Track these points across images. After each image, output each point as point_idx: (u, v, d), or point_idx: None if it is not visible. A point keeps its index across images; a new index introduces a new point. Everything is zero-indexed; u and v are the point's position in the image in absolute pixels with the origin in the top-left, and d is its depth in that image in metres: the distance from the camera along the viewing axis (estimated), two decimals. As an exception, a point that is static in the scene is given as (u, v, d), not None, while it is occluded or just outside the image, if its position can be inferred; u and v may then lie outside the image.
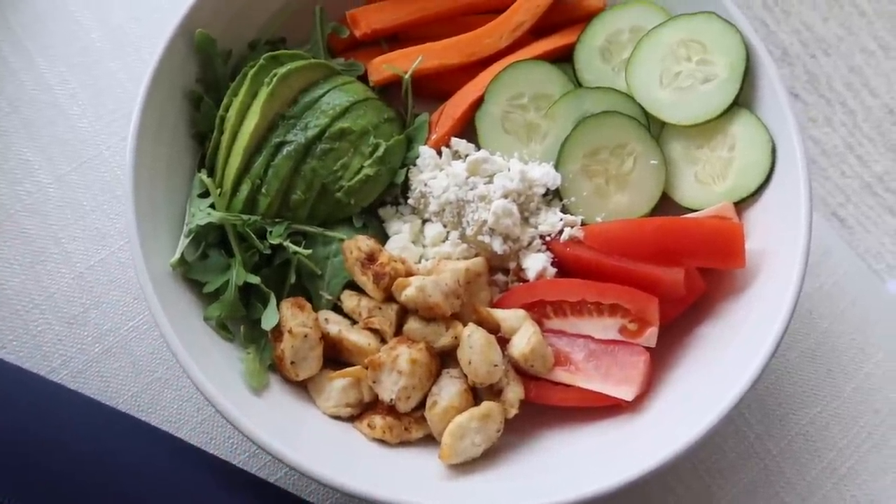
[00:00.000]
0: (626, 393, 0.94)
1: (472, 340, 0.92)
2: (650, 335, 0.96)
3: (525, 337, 0.95)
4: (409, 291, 0.94)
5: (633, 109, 1.07)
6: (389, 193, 1.07)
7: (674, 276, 0.96)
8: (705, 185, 1.05)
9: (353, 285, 1.00)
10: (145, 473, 0.87)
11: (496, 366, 0.92)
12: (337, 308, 1.00)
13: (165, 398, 1.04)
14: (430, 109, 1.11)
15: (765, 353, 0.89)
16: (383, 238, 1.05)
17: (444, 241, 1.04)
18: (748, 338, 0.93)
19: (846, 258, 1.20)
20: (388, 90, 1.11)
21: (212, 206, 0.97)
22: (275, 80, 0.99)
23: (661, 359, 0.99)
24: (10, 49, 1.19)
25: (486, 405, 0.92)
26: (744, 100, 1.04)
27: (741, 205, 1.03)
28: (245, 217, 0.96)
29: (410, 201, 1.06)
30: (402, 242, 1.03)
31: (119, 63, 1.18)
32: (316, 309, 0.98)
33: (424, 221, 1.06)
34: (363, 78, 1.11)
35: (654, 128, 1.08)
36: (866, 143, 2.58)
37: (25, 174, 1.12)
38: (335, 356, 0.98)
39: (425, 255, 1.04)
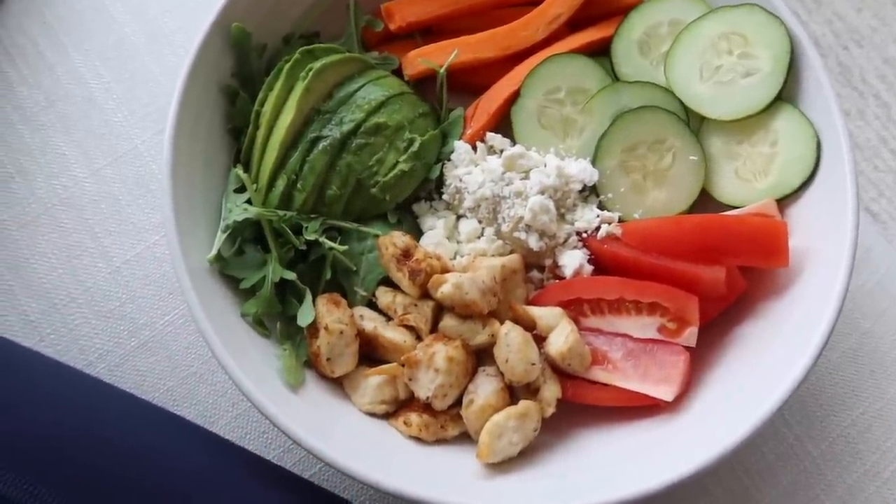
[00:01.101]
0: (665, 393, 0.92)
1: (510, 339, 0.91)
2: (690, 335, 0.94)
3: (562, 335, 0.93)
4: (446, 289, 0.93)
5: (671, 104, 1.05)
6: (424, 189, 1.06)
7: (714, 275, 0.94)
8: (746, 181, 1.03)
9: (387, 281, 0.99)
10: (183, 468, 0.87)
11: (533, 364, 0.91)
12: (372, 304, 1.00)
13: (201, 393, 1.04)
14: (464, 103, 1.10)
15: (809, 354, 0.87)
16: (418, 234, 1.04)
17: (479, 238, 1.03)
18: (791, 338, 0.91)
19: (887, 256, 1.17)
20: (423, 84, 1.10)
21: (248, 201, 0.96)
22: (310, 74, 0.99)
23: (700, 358, 0.97)
24: (47, 43, 1.19)
25: (524, 404, 0.91)
26: (786, 94, 1.02)
27: (783, 202, 1.01)
28: (281, 213, 0.96)
29: (445, 197, 1.05)
30: (437, 238, 1.03)
31: (153, 56, 1.18)
32: (351, 305, 0.98)
33: (459, 217, 1.05)
34: (397, 72, 1.10)
35: (694, 122, 1.06)
36: (900, 136, 2.53)
37: (62, 168, 1.13)
38: (370, 353, 0.98)
39: (460, 251, 1.03)
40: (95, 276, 1.08)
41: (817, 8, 2.73)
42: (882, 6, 2.73)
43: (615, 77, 1.09)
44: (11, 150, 1.13)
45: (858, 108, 2.55)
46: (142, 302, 1.07)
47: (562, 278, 1.01)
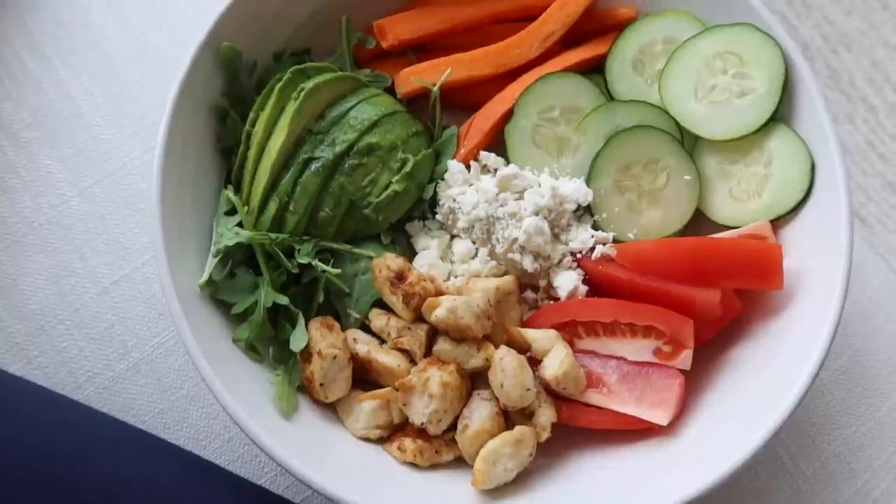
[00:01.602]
0: (660, 417, 0.92)
1: (504, 364, 0.91)
2: (685, 358, 0.94)
3: (557, 359, 0.93)
4: (440, 313, 0.92)
5: (666, 123, 1.04)
6: (417, 208, 1.05)
7: (710, 298, 0.94)
8: (740, 201, 1.03)
9: (381, 303, 0.98)
10: (170, 497, 0.87)
11: (528, 390, 0.91)
12: (365, 326, 0.99)
13: (192, 416, 1.03)
14: (457, 120, 1.09)
15: (804, 379, 0.87)
16: (411, 254, 1.03)
17: (473, 258, 1.03)
18: (786, 362, 0.91)
19: (879, 271, 1.17)
20: (415, 101, 1.09)
21: (239, 224, 0.95)
22: (302, 94, 0.97)
23: (694, 380, 0.97)
24: (31, 56, 1.17)
25: (520, 430, 0.90)
26: (781, 114, 1.02)
27: (777, 222, 1.01)
28: (273, 236, 0.95)
29: (438, 217, 1.04)
30: (431, 259, 1.02)
31: (142, 71, 1.16)
32: (344, 328, 0.97)
33: (453, 237, 1.05)
34: (390, 89, 1.09)
35: (688, 141, 1.06)
36: (888, 141, 2.54)
37: (48, 186, 1.11)
38: (363, 376, 0.97)
39: (454, 271, 1.03)
40: (83, 297, 1.06)
41: (806, 12, 2.73)
42: (871, 10, 2.74)
43: (609, 95, 1.08)
44: (-4, 168, 1.11)
45: (847, 113, 2.56)
46: (131, 323, 1.05)
47: (556, 299, 1.01)
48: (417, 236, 1.05)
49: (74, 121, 1.14)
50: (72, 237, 1.08)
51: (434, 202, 1.05)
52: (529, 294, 1.03)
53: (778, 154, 1.01)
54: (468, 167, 1.06)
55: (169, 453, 0.94)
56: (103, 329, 1.05)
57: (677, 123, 1.05)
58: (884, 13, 2.71)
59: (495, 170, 1.06)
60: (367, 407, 0.94)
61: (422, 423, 0.91)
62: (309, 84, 0.98)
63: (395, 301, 0.95)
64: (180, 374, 1.04)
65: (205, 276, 0.91)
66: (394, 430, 0.95)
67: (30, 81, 1.16)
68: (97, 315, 1.05)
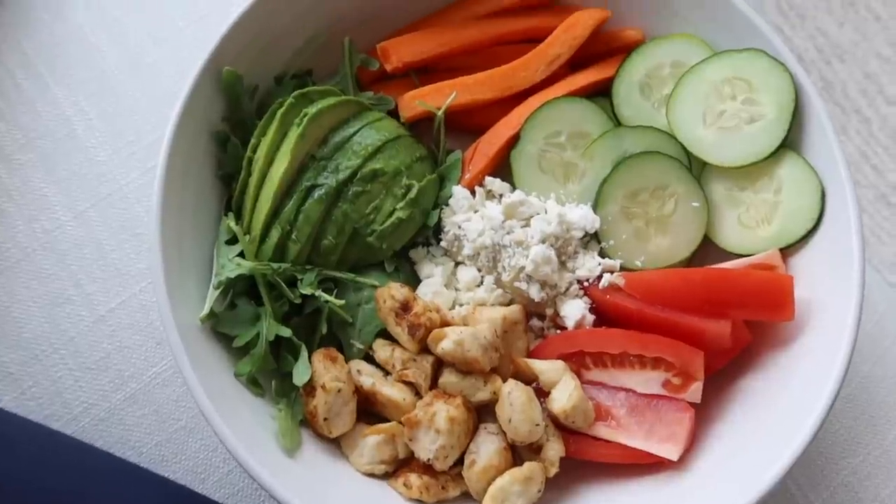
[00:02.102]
0: (670, 452, 0.91)
1: (513, 398, 0.89)
2: (695, 390, 0.93)
3: (566, 392, 0.91)
4: (446, 345, 0.90)
5: (674, 149, 1.03)
6: (421, 234, 1.03)
7: (720, 330, 0.93)
8: (749, 228, 1.02)
9: (385, 333, 0.96)
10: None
11: (538, 425, 0.89)
12: (368, 356, 0.97)
13: (190, 448, 1.00)
14: (461, 144, 1.07)
15: (817, 416, 0.86)
16: (415, 281, 1.01)
17: (478, 286, 1.01)
18: (798, 396, 0.90)
19: (885, 295, 1.16)
20: (418, 122, 1.07)
21: (240, 254, 0.93)
22: (305, 120, 0.95)
23: (703, 410, 0.95)
24: (24, 75, 1.14)
25: (528, 467, 0.88)
26: (790, 140, 1.01)
27: (786, 250, 1.00)
28: (275, 266, 0.92)
29: (443, 243, 1.02)
30: (435, 287, 1.00)
31: (138, 90, 1.14)
32: (347, 358, 0.95)
33: (457, 264, 1.03)
34: (393, 112, 1.07)
35: (695, 167, 1.04)
36: (881, 153, 2.55)
37: (42, 210, 1.08)
38: (367, 408, 0.95)
39: (458, 299, 1.01)
40: (79, 325, 1.03)
41: (801, 23, 2.73)
42: (863, 21, 2.74)
43: (616, 118, 1.07)
44: (-12, 191, 1.08)
45: (840, 124, 2.56)
46: (128, 352, 1.03)
47: (562, 327, 0.99)
48: (421, 263, 1.03)
49: (69, 142, 1.11)
50: (67, 263, 1.06)
51: (438, 228, 1.03)
52: (535, 322, 1.01)
53: (788, 181, 1.00)
54: (473, 192, 1.04)
55: (164, 488, 0.92)
56: (99, 358, 1.02)
57: (685, 149, 1.03)
58: (876, 24, 2.72)
59: (500, 195, 1.04)
60: (371, 441, 0.92)
61: (428, 459, 0.89)
62: (312, 109, 0.96)
63: (400, 332, 0.93)
64: (178, 404, 1.01)
65: (206, 310, 0.89)
66: (399, 465, 0.93)
67: (23, 101, 1.13)
68: (93, 344, 1.03)
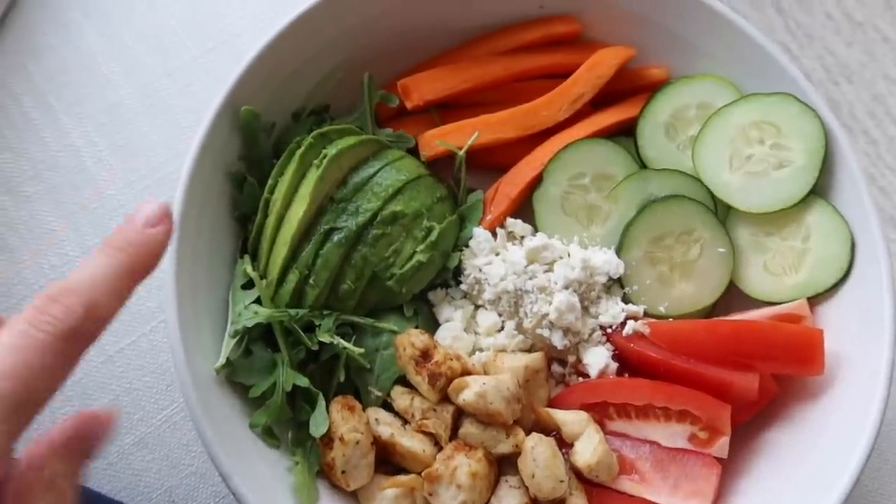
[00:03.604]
0: (696, 509, 0.88)
1: (536, 453, 0.87)
2: (722, 445, 0.90)
3: (590, 446, 0.89)
4: (468, 396, 0.88)
5: (699, 193, 1.01)
6: (440, 276, 1.01)
7: (748, 383, 0.91)
8: (776, 276, 1.00)
9: (403, 379, 0.94)
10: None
11: (562, 482, 0.86)
12: (386, 403, 0.94)
13: (202, 493, 0.97)
14: (481, 182, 1.05)
15: (850, 474, 0.84)
16: (433, 324, 0.99)
17: (499, 331, 0.98)
18: (828, 453, 0.88)
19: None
20: (437, 159, 1.04)
21: (257, 300, 0.90)
22: (325, 161, 0.93)
23: (728, 463, 0.93)
24: (33, 103, 1.12)
25: (552, 525, 0.86)
26: (819, 187, 0.99)
27: (814, 299, 0.98)
28: (293, 312, 0.90)
29: (463, 287, 1.00)
30: (455, 332, 0.97)
31: (150, 123, 1.11)
32: (365, 405, 0.92)
33: (477, 307, 1.00)
34: (413, 149, 1.04)
35: (720, 211, 1.02)
36: (889, 175, 2.54)
37: (50, 246, 1.05)
38: (385, 457, 0.92)
39: (478, 343, 0.98)
40: (87, 365, 1.00)
41: (809, 43, 2.72)
42: (871, 42, 2.73)
43: (640, 159, 1.04)
44: (-6, 224, 1.06)
45: (848, 145, 2.54)
46: (138, 395, 1.00)
47: (584, 374, 0.97)
48: (440, 305, 1.00)
49: (79, 174, 1.08)
50: (75, 300, 1.03)
51: (458, 269, 1.01)
52: (556, 368, 0.99)
53: (816, 229, 0.98)
54: (494, 234, 1.02)
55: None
56: (108, 400, 0.99)
57: (711, 193, 1.01)
58: (884, 45, 2.71)
59: (522, 237, 1.02)
60: (389, 494, 0.89)
61: (449, 515, 0.86)
62: (332, 150, 0.94)
63: (420, 381, 0.90)
64: (189, 449, 0.99)
65: (221, 360, 0.86)
66: (417, 519, 0.90)
67: (31, 131, 1.10)
68: (102, 385, 1.00)
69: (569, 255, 0.99)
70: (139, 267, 0.63)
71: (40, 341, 0.56)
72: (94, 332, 0.60)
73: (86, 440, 0.62)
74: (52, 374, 0.57)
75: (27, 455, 0.61)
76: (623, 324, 0.97)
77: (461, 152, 1.01)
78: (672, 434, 0.92)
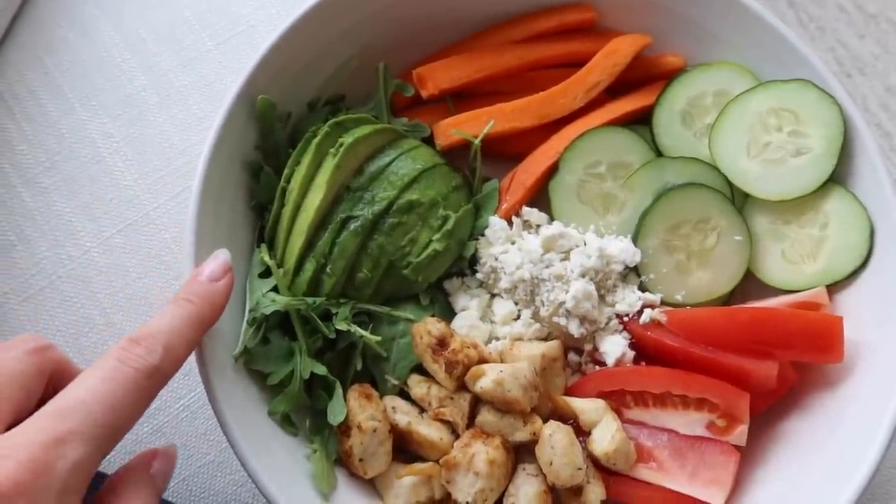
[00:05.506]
0: (714, 497, 0.88)
1: (554, 441, 0.86)
2: (740, 433, 0.90)
3: (608, 434, 0.89)
4: (485, 384, 0.88)
5: (716, 181, 1.00)
6: (456, 265, 1.00)
7: (767, 371, 0.90)
8: (793, 264, 0.99)
9: (420, 368, 0.94)
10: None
11: (580, 469, 0.86)
12: (402, 391, 0.94)
13: (218, 483, 0.98)
14: (496, 170, 1.05)
15: (869, 464, 0.83)
16: (449, 313, 0.99)
17: (515, 320, 0.98)
18: (847, 442, 0.87)
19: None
20: (453, 148, 1.04)
21: (274, 287, 0.90)
22: (341, 150, 0.93)
23: (746, 452, 0.93)
24: (49, 97, 1.12)
25: (570, 513, 0.86)
26: (838, 174, 0.98)
27: (832, 287, 0.97)
28: (310, 300, 0.90)
29: (479, 275, 1.00)
30: (471, 320, 0.97)
31: (165, 114, 1.12)
32: (381, 394, 0.92)
33: (493, 295, 1.00)
34: (428, 138, 1.04)
35: (737, 199, 1.02)
36: (903, 167, 2.52)
37: (67, 236, 1.06)
38: (402, 445, 0.92)
39: (494, 332, 0.98)
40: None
41: (821, 35, 2.70)
42: (884, 33, 2.71)
43: (656, 147, 1.04)
44: (12, 215, 1.06)
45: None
46: (155, 384, 1.00)
47: (601, 362, 0.97)
48: (456, 294, 1.00)
49: (95, 166, 1.09)
50: (92, 290, 1.03)
51: (473, 258, 1.01)
52: (573, 356, 0.99)
53: (835, 217, 0.97)
54: (510, 223, 1.01)
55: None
56: (126, 390, 1.00)
57: (728, 181, 1.01)
58: (898, 37, 2.69)
59: (538, 226, 1.02)
60: (407, 482, 0.89)
61: (467, 502, 0.86)
62: (348, 139, 0.94)
63: (437, 369, 0.90)
64: (206, 438, 0.99)
65: (240, 347, 0.86)
66: (435, 506, 0.90)
67: (47, 123, 1.11)
68: (119, 375, 1.00)
69: (585, 244, 0.99)
70: (207, 315, 0.76)
71: (130, 376, 0.66)
72: (170, 372, 0.70)
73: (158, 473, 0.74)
74: (135, 406, 0.67)
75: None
76: (640, 312, 0.97)
77: (476, 141, 1.01)
78: (690, 422, 0.92)
